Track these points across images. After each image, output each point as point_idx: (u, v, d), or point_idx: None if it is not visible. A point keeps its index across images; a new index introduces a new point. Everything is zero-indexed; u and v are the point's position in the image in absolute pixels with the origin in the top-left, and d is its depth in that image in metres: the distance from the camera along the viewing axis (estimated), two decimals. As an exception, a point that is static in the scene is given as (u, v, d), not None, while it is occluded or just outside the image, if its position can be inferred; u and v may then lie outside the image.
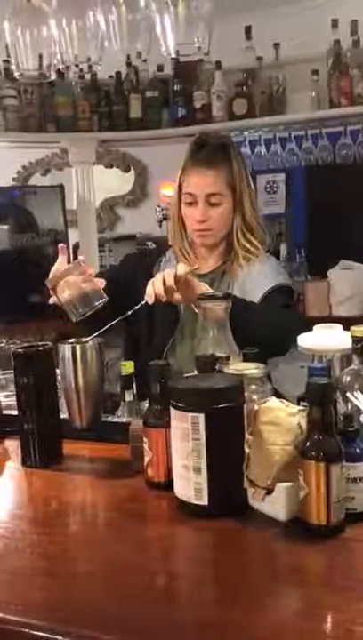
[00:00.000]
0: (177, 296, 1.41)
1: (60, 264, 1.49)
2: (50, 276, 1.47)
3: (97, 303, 1.39)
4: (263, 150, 3.29)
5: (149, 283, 1.42)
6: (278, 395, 1.38)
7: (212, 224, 1.62)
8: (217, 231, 1.64)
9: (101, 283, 1.44)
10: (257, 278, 1.62)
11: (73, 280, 1.41)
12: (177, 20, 1.20)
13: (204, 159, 1.61)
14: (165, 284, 1.37)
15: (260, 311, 1.51)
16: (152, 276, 1.69)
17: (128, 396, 1.44)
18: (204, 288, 1.44)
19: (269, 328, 1.43)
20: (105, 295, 1.40)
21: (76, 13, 1.32)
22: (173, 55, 1.26)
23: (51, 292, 1.46)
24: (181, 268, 1.40)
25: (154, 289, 1.39)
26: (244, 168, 1.66)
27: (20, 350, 1.26)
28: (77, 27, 1.31)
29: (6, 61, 2.92)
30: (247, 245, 1.65)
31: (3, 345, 2.79)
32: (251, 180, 1.71)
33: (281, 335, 1.38)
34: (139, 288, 1.61)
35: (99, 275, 1.61)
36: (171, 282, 1.37)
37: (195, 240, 1.68)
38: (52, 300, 1.48)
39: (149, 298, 1.40)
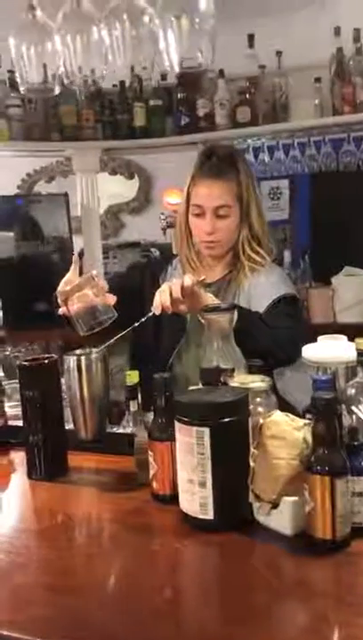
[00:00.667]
0: (183, 307, 1.41)
1: (73, 275, 1.48)
2: (60, 286, 1.47)
3: (106, 318, 1.39)
4: (267, 157, 3.30)
5: (157, 293, 1.42)
6: (284, 403, 1.39)
7: (219, 236, 1.63)
8: (225, 242, 1.65)
9: (112, 299, 1.44)
10: (263, 288, 1.62)
11: (85, 294, 1.41)
12: (181, 35, 1.21)
13: (212, 171, 1.62)
14: (171, 294, 1.38)
15: (266, 323, 1.51)
16: (158, 285, 1.69)
17: (133, 406, 1.44)
18: (210, 299, 1.45)
19: (275, 340, 1.43)
20: (115, 312, 1.40)
21: (80, 29, 1.33)
22: (177, 70, 1.27)
23: (60, 303, 1.46)
24: (188, 279, 1.40)
25: (161, 299, 1.39)
26: (251, 179, 1.67)
27: (25, 363, 1.26)
28: (82, 42, 1.32)
29: (11, 71, 2.95)
30: (254, 256, 1.65)
31: (8, 353, 2.80)
32: (258, 190, 1.71)
33: (287, 347, 1.38)
34: (145, 297, 1.62)
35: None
36: (178, 293, 1.37)
37: (202, 251, 1.69)
38: (61, 311, 1.48)
39: (156, 309, 1.40)
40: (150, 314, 1.41)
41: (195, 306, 1.41)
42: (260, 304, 1.59)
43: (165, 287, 1.42)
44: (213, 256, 1.69)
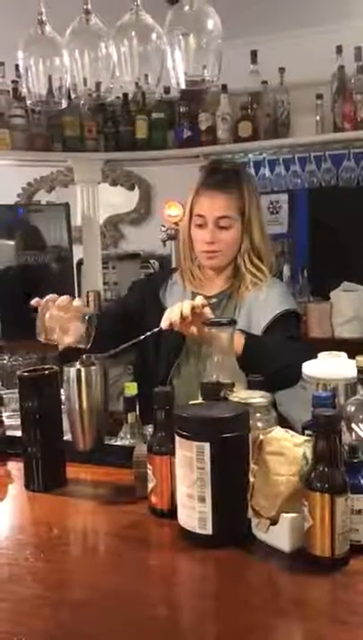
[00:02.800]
0: (192, 329, 1.42)
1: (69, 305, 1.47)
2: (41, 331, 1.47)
3: (87, 318, 1.43)
4: (267, 172, 3.32)
5: (167, 311, 1.43)
6: (283, 418, 1.39)
7: (220, 246, 1.64)
8: (225, 254, 1.66)
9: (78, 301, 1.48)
10: (264, 303, 1.63)
11: (54, 315, 1.44)
12: (187, 53, 1.23)
13: (216, 183, 1.64)
14: (182, 313, 1.39)
15: (273, 348, 1.51)
16: (159, 299, 1.70)
17: (131, 418, 1.44)
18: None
19: (282, 365, 1.41)
20: (89, 311, 1.44)
21: (88, 45, 1.35)
22: (183, 86, 1.28)
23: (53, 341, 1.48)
24: (199, 300, 1.42)
25: (171, 316, 1.40)
26: (255, 194, 1.68)
27: (25, 374, 1.26)
28: (90, 57, 1.33)
29: (15, 82, 2.97)
30: (254, 270, 1.66)
31: (6, 362, 2.79)
32: (262, 206, 1.73)
33: (294, 370, 1.36)
34: (148, 313, 1.62)
35: (105, 309, 1.63)
36: (188, 312, 1.38)
37: (203, 262, 1.70)
38: (61, 347, 1.49)
39: (164, 323, 1.41)
40: (156, 329, 1.42)
41: (200, 327, 1.41)
42: (261, 319, 1.60)
43: (176, 305, 1.42)
44: (213, 267, 1.69)
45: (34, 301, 1.47)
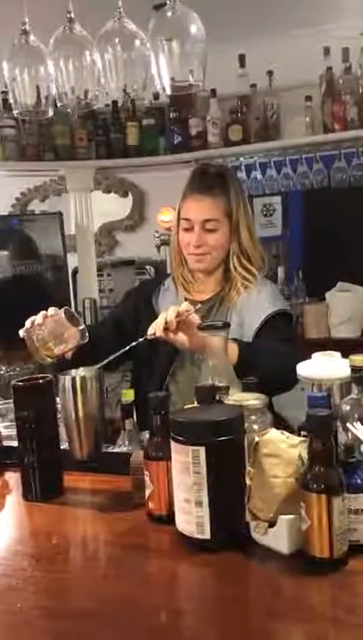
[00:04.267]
0: (181, 337, 1.39)
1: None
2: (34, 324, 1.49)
3: (68, 314, 1.46)
4: (259, 175, 3.33)
5: (153, 324, 1.42)
6: (279, 419, 1.39)
7: (207, 249, 1.65)
8: (213, 257, 1.66)
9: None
10: (255, 304, 1.63)
11: (40, 333, 1.47)
12: (171, 58, 1.23)
13: (202, 187, 1.65)
14: (166, 320, 1.39)
15: (266, 355, 1.49)
16: (152, 306, 1.70)
17: (128, 425, 1.44)
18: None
19: (277, 369, 1.39)
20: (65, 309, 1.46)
21: (73, 53, 1.35)
22: (169, 92, 1.29)
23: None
24: (185, 305, 1.41)
25: (155, 325, 1.40)
26: (241, 196, 1.69)
27: (20, 384, 1.26)
28: (74, 66, 1.34)
29: (4, 92, 2.98)
30: (244, 272, 1.67)
31: (3, 372, 2.79)
32: (249, 208, 1.73)
33: (288, 374, 1.35)
34: (142, 321, 1.62)
35: (101, 319, 1.64)
36: (171, 318, 1.37)
37: (191, 265, 1.70)
38: (67, 353, 1.50)
39: (149, 331, 1.41)
40: (142, 339, 1.42)
41: (189, 335, 1.38)
42: (253, 321, 1.60)
43: (161, 314, 1.42)
44: (202, 270, 1.70)
45: (21, 333, 1.50)
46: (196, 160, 3.23)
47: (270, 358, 1.47)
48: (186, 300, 1.65)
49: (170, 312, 1.39)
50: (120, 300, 1.96)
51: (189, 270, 1.73)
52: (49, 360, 1.48)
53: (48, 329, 1.46)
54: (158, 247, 3.23)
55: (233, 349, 1.41)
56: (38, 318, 1.48)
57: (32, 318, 1.49)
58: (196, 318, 1.40)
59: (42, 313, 1.49)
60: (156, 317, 1.46)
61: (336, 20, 2.98)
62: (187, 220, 1.65)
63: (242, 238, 1.66)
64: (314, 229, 3.37)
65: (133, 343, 1.43)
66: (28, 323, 1.49)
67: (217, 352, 1.29)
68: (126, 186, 3.92)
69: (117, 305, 2.04)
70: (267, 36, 3.03)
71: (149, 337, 1.41)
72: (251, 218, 1.72)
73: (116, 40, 1.30)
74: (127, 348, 1.43)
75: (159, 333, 1.39)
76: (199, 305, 1.51)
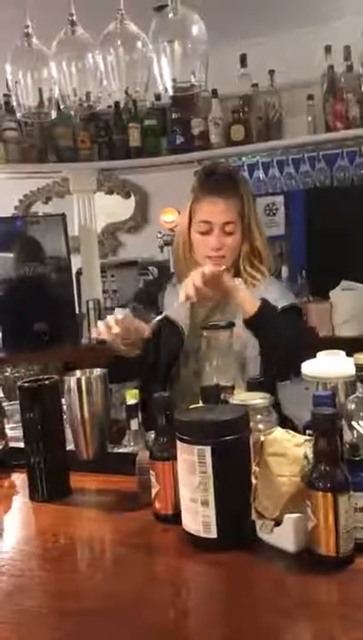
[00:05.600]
0: (207, 291, 1.46)
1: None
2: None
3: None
4: (261, 174, 3.33)
5: (182, 287, 1.48)
6: (289, 420, 1.39)
7: (225, 252, 1.64)
8: (229, 258, 1.65)
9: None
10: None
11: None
12: (174, 59, 1.24)
13: (216, 188, 1.63)
14: (194, 284, 1.43)
15: (283, 321, 1.53)
16: (158, 306, 1.70)
17: (134, 425, 1.45)
18: (234, 280, 1.50)
19: (287, 339, 1.43)
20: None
21: (75, 55, 1.36)
22: (171, 93, 1.29)
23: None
24: (208, 268, 1.46)
25: (186, 290, 1.44)
26: (251, 196, 1.69)
27: (25, 385, 1.26)
28: (77, 68, 1.35)
29: (7, 95, 2.99)
30: (253, 272, 1.66)
31: (8, 374, 2.80)
32: (257, 207, 1.74)
33: (308, 349, 1.34)
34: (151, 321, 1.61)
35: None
36: (199, 283, 1.42)
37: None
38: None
39: (181, 298, 1.46)
40: (160, 316, 1.46)
41: (219, 288, 1.46)
42: None
43: (188, 279, 1.47)
44: None
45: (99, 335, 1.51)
46: (198, 160, 3.23)
47: (287, 330, 1.49)
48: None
49: (196, 277, 1.44)
50: (128, 305, 1.95)
51: None
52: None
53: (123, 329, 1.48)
54: (161, 248, 3.23)
55: (254, 302, 1.46)
56: (114, 328, 1.48)
57: (106, 323, 1.49)
58: (225, 276, 1.47)
59: (112, 318, 1.50)
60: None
61: (338, 18, 2.98)
62: (206, 222, 1.62)
63: (253, 238, 1.66)
64: (317, 228, 3.36)
65: (154, 320, 1.45)
66: (101, 327, 1.50)
67: (222, 351, 1.30)
68: (129, 187, 3.93)
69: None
70: (268, 36, 3.03)
71: (183, 301, 1.47)
72: (259, 216, 1.73)
73: (118, 42, 1.30)
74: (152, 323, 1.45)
75: (194, 299, 1.45)
76: (224, 267, 1.55)
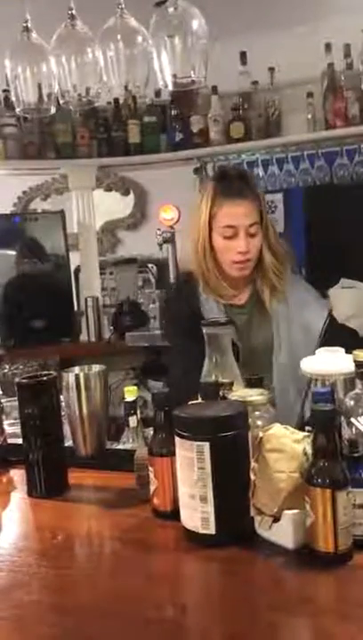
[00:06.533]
0: None
1: None
2: None
3: None
4: (261, 172, 3.32)
5: None
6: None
7: (251, 254, 1.61)
8: (253, 261, 1.63)
9: None
10: (310, 304, 1.67)
11: None
12: (174, 55, 1.23)
13: (235, 191, 1.60)
14: None
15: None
16: (198, 316, 1.57)
17: (132, 422, 1.44)
18: None
19: None
20: None
21: (75, 50, 1.35)
22: (171, 88, 1.29)
23: None
24: None
25: None
26: (263, 195, 1.68)
27: (24, 381, 1.26)
28: (77, 63, 1.34)
29: (6, 91, 2.98)
30: (276, 271, 1.64)
31: (6, 371, 2.80)
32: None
33: None
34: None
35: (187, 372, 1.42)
36: None
37: (233, 273, 1.63)
38: None
39: None
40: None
41: None
42: (313, 327, 1.63)
43: None
44: (244, 276, 1.65)
45: None
46: (197, 157, 3.23)
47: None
48: (225, 306, 1.65)
49: None
50: (168, 333, 1.83)
51: (222, 277, 1.64)
52: None
53: None
54: (160, 245, 3.23)
55: None
56: None
57: None
58: None
59: None
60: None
61: (336, 15, 2.98)
62: (231, 227, 1.58)
63: (270, 236, 1.64)
64: (316, 226, 3.36)
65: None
66: None
67: (221, 348, 1.29)
68: (127, 184, 3.93)
69: (180, 346, 1.68)
70: (268, 33, 3.02)
71: None
72: (270, 215, 1.73)
73: (118, 36, 1.29)
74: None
75: None
76: (245, 309, 1.54)
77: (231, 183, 1.63)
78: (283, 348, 1.63)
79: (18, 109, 1.48)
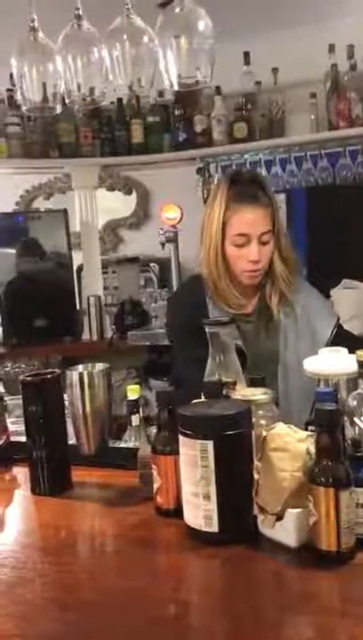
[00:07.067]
0: None
1: None
2: None
3: None
4: (264, 172, 3.32)
5: None
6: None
7: (263, 263, 1.59)
8: (264, 269, 1.61)
9: None
10: (318, 312, 1.66)
11: None
12: (180, 55, 1.24)
13: (248, 197, 1.56)
14: None
15: None
16: (199, 324, 1.51)
17: (135, 421, 1.45)
18: None
19: None
20: None
21: (81, 50, 1.36)
22: (176, 88, 1.29)
23: None
24: None
25: None
26: (277, 202, 1.64)
27: (28, 379, 1.27)
28: (82, 62, 1.34)
29: (10, 90, 2.98)
30: (286, 280, 1.62)
31: (8, 369, 2.81)
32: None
33: None
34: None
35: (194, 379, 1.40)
36: None
37: (244, 281, 1.61)
38: None
39: None
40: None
41: None
42: (320, 337, 1.61)
43: None
44: (255, 284, 1.64)
45: None
46: (200, 157, 3.23)
47: None
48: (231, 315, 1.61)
49: None
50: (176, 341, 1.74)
51: (233, 285, 1.61)
52: None
53: None
54: (163, 245, 3.23)
55: None
56: None
57: None
58: None
59: None
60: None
61: (340, 16, 2.98)
62: (243, 235, 1.54)
63: (282, 244, 1.60)
64: (318, 227, 3.36)
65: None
66: None
67: (224, 347, 1.30)
68: (130, 183, 3.93)
69: (187, 351, 1.63)
70: (272, 33, 3.03)
71: None
72: (283, 220, 1.68)
73: (125, 36, 1.30)
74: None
75: None
76: (253, 317, 1.55)
77: (245, 187, 1.58)
78: (289, 358, 1.60)
79: (24, 108, 1.48)
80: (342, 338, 1.61)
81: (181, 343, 1.69)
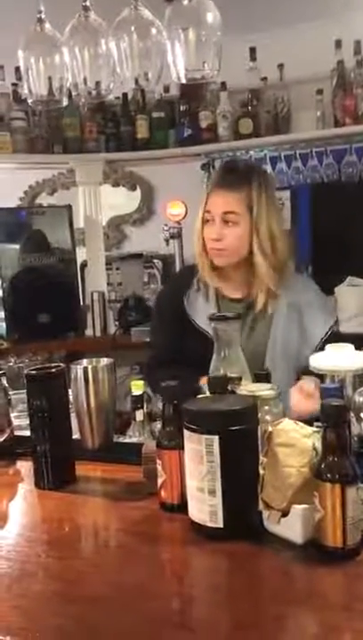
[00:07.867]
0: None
1: None
2: None
3: None
4: (269, 168, 3.31)
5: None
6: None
7: (226, 244, 1.60)
8: (232, 252, 1.62)
9: None
10: (310, 316, 1.65)
11: None
12: (187, 48, 1.23)
13: (226, 181, 1.63)
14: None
15: None
16: (183, 308, 1.65)
17: (139, 416, 1.45)
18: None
19: None
20: None
21: (88, 42, 1.35)
22: (184, 81, 1.28)
23: None
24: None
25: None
26: (267, 191, 1.63)
27: (32, 373, 1.26)
28: (90, 54, 1.34)
29: (15, 84, 2.98)
30: (266, 272, 1.61)
31: (12, 364, 2.80)
32: (276, 202, 1.70)
33: None
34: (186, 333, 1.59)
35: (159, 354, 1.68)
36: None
37: (213, 260, 1.65)
38: None
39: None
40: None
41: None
42: (311, 334, 1.61)
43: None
44: (222, 265, 1.65)
45: None
46: (206, 153, 3.22)
47: None
48: (218, 298, 1.66)
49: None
50: (153, 324, 1.87)
51: (214, 269, 1.66)
52: None
53: None
54: (167, 241, 3.23)
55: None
56: None
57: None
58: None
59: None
60: (190, 324, 1.49)
61: (347, 12, 2.96)
62: (208, 212, 1.62)
63: (261, 238, 1.59)
64: (323, 224, 3.35)
65: None
66: None
67: (229, 342, 1.29)
68: (135, 179, 3.92)
69: (157, 326, 1.84)
70: (278, 29, 3.01)
71: None
72: (278, 212, 1.67)
73: (132, 28, 1.29)
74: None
75: None
76: (242, 304, 1.56)
77: (226, 175, 1.67)
78: (278, 349, 1.61)
79: (30, 101, 1.48)
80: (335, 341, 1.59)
81: (157, 315, 1.82)
